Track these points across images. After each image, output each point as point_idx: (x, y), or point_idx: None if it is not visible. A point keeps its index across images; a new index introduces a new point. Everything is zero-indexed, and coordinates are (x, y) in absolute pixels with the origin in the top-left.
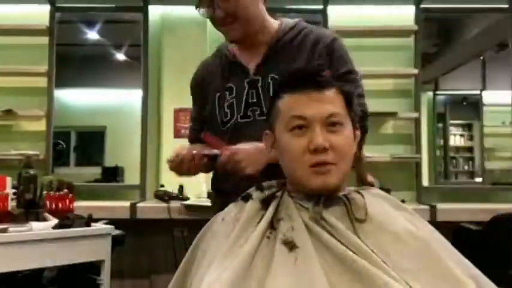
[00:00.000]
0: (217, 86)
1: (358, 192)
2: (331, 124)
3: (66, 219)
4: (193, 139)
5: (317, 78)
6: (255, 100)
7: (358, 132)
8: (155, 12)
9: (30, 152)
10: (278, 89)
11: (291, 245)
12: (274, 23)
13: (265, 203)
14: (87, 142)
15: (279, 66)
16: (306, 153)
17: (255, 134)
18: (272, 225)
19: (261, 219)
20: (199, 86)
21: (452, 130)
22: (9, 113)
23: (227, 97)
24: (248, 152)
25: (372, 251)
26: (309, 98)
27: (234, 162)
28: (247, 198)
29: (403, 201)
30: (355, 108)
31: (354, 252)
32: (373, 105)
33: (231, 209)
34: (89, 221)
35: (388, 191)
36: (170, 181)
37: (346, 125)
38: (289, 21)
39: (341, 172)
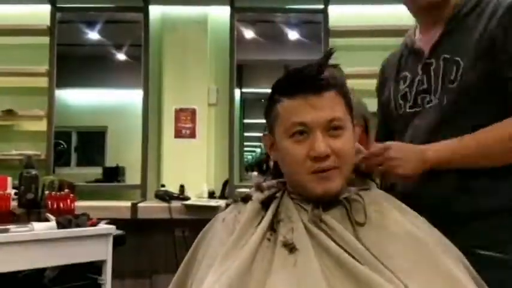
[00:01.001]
0: (393, 77)
1: (358, 194)
2: (332, 129)
3: (62, 220)
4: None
5: (316, 82)
6: (425, 86)
7: (356, 128)
8: (156, 12)
9: (31, 152)
10: (276, 91)
11: (290, 247)
12: None
13: (265, 204)
14: (88, 142)
15: (453, 44)
16: (307, 160)
17: (422, 124)
18: (272, 227)
19: (261, 221)
20: (380, 78)
21: None
22: (10, 113)
23: (401, 87)
24: (400, 148)
25: (372, 254)
26: (309, 103)
27: (385, 159)
28: (246, 199)
29: None
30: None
31: (353, 256)
32: (373, 105)
33: (232, 209)
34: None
35: (388, 190)
36: (171, 181)
37: (347, 127)
38: None
39: (343, 175)
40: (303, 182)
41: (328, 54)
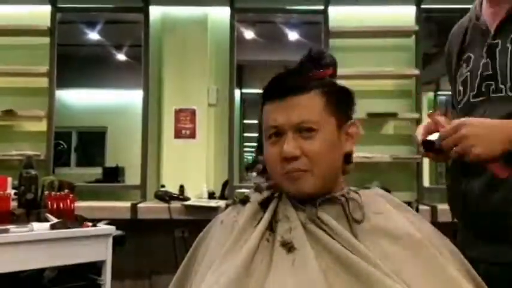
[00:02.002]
0: (456, 56)
1: (356, 192)
2: (304, 130)
3: (59, 223)
4: None
5: (290, 84)
6: (490, 72)
7: (354, 129)
8: (156, 12)
9: (31, 153)
10: (262, 96)
11: (289, 247)
12: None
13: (263, 205)
14: (88, 142)
15: None
16: (279, 161)
17: (488, 116)
18: (271, 227)
19: (259, 222)
20: (446, 56)
21: None
22: (10, 113)
23: (463, 71)
24: (480, 125)
25: (370, 251)
26: (282, 105)
27: (459, 137)
28: (244, 201)
29: (408, 203)
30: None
31: (351, 253)
32: (373, 105)
33: (230, 211)
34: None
35: (388, 191)
36: (171, 181)
37: (323, 129)
38: None
39: (316, 177)
40: (279, 182)
41: (315, 56)
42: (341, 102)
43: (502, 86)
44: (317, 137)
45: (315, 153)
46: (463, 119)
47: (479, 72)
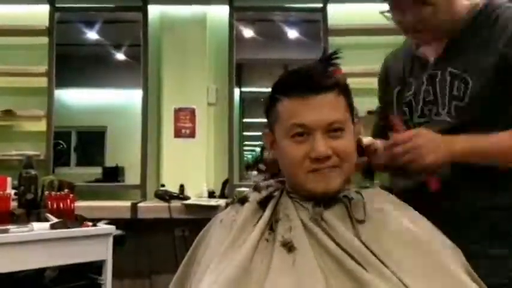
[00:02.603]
0: (398, 79)
1: (358, 192)
2: (332, 130)
3: (59, 223)
4: (374, 136)
5: (316, 82)
6: (431, 98)
7: (358, 127)
8: (154, 11)
9: (31, 152)
10: (276, 90)
11: (289, 246)
12: (462, 6)
13: (262, 205)
14: (88, 142)
15: (461, 60)
16: (307, 160)
17: None
18: (271, 227)
19: (258, 221)
20: (384, 74)
21: None
22: (9, 113)
23: (406, 94)
24: (428, 136)
25: (372, 252)
26: (309, 104)
27: (414, 147)
28: (243, 200)
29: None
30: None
31: (352, 255)
32: (373, 104)
33: (230, 210)
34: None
35: (390, 190)
36: (171, 181)
37: (348, 128)
38: (478, 3)
39: (344, 174)
40: (302, 182)
41: (330, 54)
42: (351, 99)
43: (441, 111)
44: (345, 135)
45: (345, 152)
46: (416, 129)
47: (421, 97)
